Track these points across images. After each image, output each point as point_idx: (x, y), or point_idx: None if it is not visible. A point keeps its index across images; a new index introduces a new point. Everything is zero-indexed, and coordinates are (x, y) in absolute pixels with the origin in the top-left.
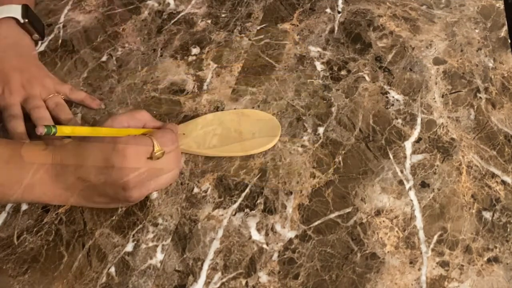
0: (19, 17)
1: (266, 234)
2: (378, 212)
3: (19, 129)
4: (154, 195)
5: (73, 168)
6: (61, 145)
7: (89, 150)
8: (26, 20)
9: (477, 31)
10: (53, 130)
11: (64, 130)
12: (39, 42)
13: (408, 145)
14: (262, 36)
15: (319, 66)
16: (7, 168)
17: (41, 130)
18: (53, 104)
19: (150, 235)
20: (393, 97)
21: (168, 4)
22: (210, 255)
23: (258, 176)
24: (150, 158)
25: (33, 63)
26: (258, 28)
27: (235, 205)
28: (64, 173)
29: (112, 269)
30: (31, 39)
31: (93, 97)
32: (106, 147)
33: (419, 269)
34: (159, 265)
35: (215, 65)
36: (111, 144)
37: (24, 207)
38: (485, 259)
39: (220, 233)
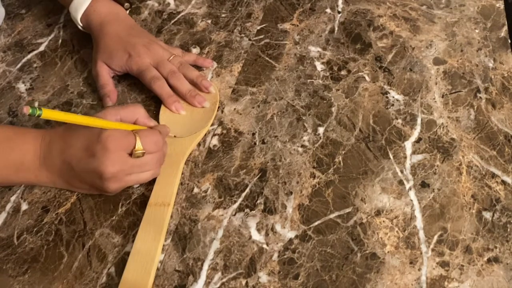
0: None
1: (266, 234)
2: (378, 212)
3: (165, 88)
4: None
5: (59, 151)
6: (52, 129)
7: (76, 135)
8: None
9: (477, 31)
10: (38, 112)
11: (49, 114)
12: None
13: (408, 145)
14: (262, 36)
15: (319, 66)
16: None
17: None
18: (178, 64)
19: None
20: (393, 97)
21: (168, 4)
22: (210, 255)
23: (258, 176)
24: (130, 154)
25: (141, 30)
26: (258, 28)
27: (235, 205)
28: (50, 156)
29: (112, 269)
30: (124, 9)
31: (204, 57)
32: (91, 136)
33: (419, 269)
34: (159, 265)
35: (215, 65)
36: (96, 133)
37: (24, 207)
38: (485, 259)
39: (220, 233)
